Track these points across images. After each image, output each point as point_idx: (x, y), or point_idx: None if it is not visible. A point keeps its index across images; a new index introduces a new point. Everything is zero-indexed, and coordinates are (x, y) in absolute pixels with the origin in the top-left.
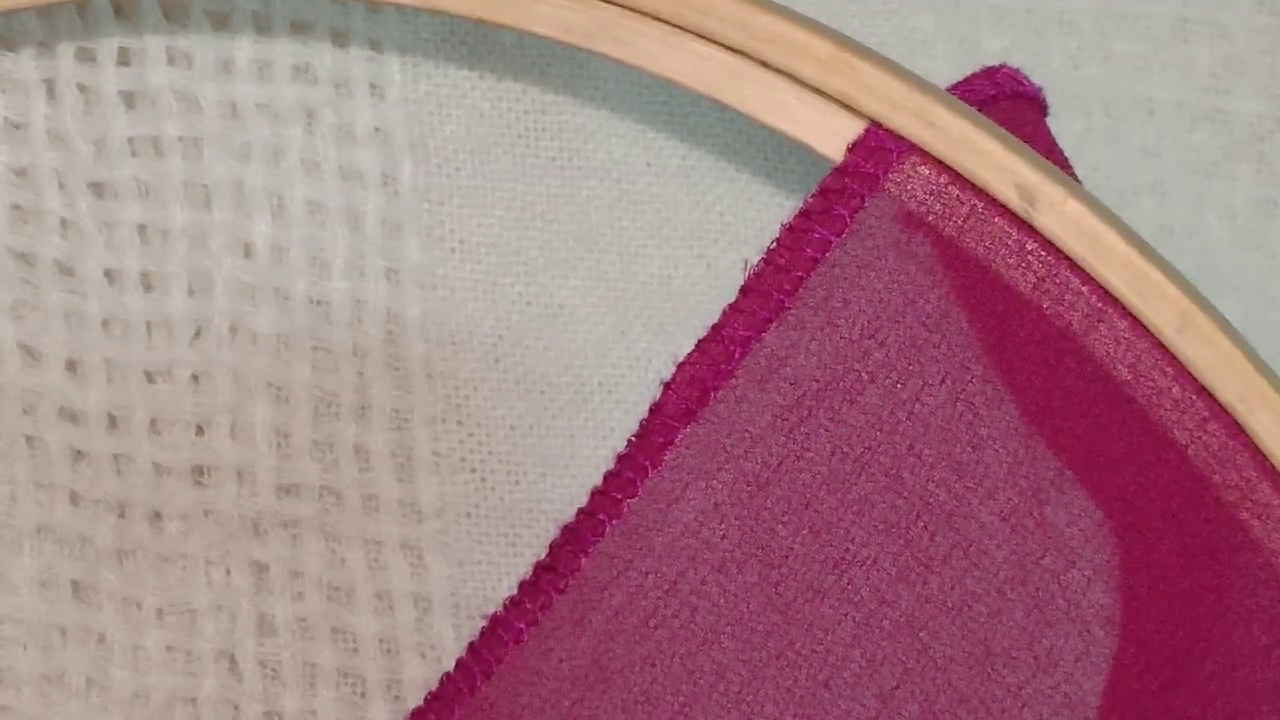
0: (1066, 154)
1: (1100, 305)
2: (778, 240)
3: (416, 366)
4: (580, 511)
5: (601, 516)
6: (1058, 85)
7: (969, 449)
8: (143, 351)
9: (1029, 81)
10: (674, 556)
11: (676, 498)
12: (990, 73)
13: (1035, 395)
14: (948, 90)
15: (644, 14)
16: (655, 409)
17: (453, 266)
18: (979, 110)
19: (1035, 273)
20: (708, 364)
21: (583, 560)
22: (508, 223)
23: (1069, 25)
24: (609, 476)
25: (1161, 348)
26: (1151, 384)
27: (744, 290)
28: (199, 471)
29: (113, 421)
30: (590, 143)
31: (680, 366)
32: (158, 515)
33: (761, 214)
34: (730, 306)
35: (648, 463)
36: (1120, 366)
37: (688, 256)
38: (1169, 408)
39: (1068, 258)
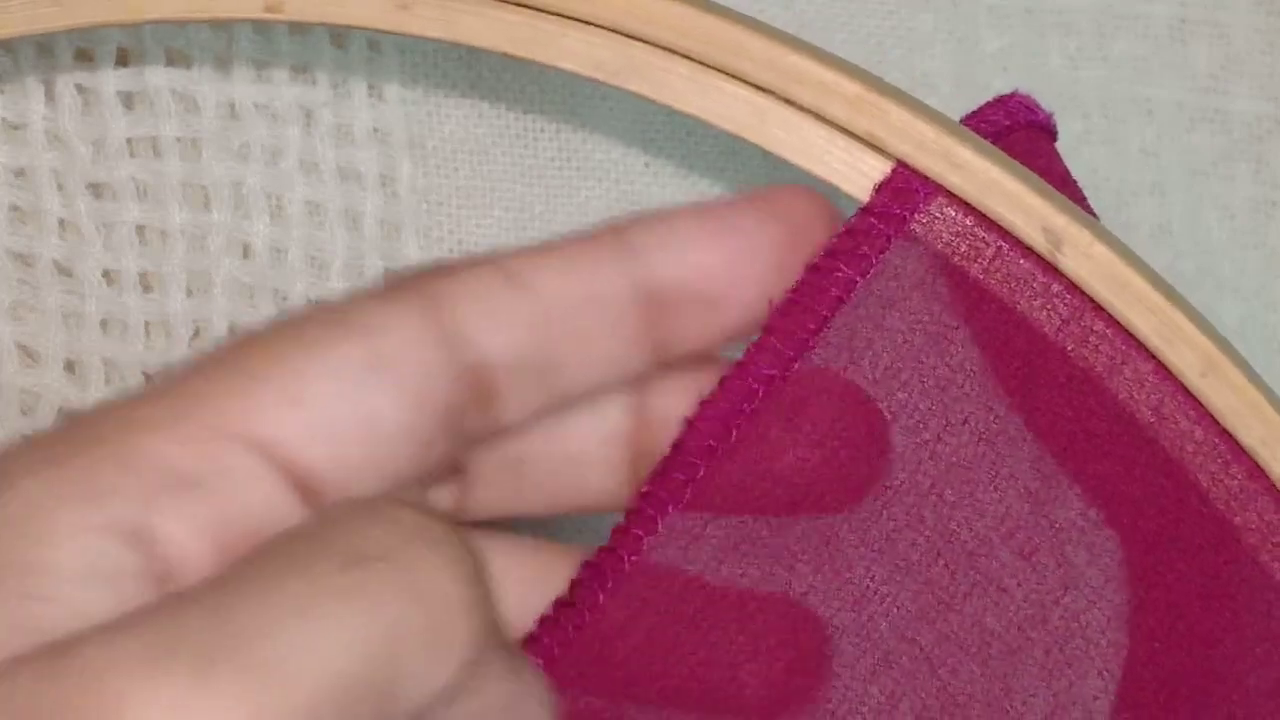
0: (1066, 156)
1: (1125, 349)
2: (802, 278)
3: None
4: (600, 549)
5: (621, 553)
6: (1057, 85)
7: (990, 489)
8: (141, 352)
9: (1040, 109)
10: (694, 594)
11: (697, 535)
12: (1002, 103)
13: (1058, 436)
14: (962, 122)
15: (673, 52)
16: (677, 445)
17: None
18: (994, 143)
19: (1060, 315)
20: (731, 401)
21: (601, 596)
22: (507, 223)
23: (1068, 25)
24: (630, 513)
25: (1185, 391)
26: (1174, 427)
27: (767, 328)
28: None
29: None
30: (589, 143)
31: (702, 403)
32: None
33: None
34: (754, 344)
35: (669, 500)
36: (1144, 409)
37: None
38: (1191, 450)
39: (1093, 301)
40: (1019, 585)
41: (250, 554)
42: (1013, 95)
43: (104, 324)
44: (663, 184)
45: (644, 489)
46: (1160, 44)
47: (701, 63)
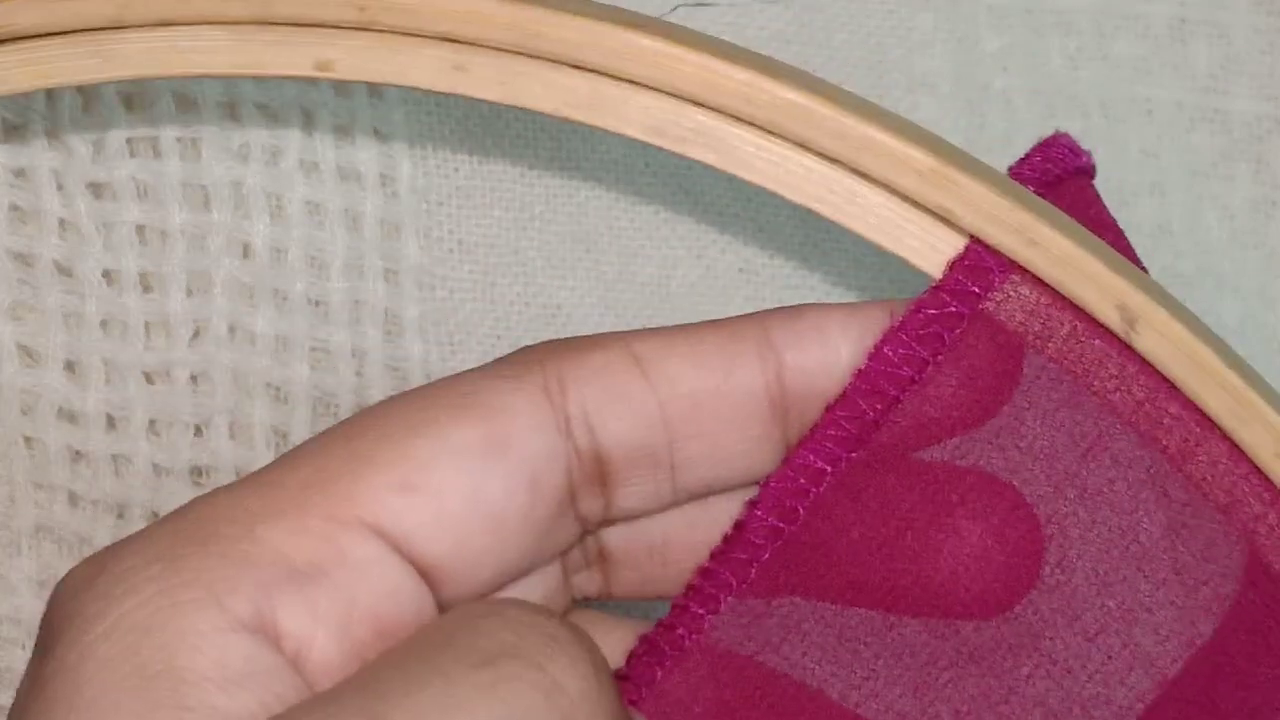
0: None
1: (1199, 430)
2: (871, 358)
3: (415, 367)
4: (660, 624)
5: (681, 631)
6: (1057, 85)
7: (1058, 570)
8: (141, 352)
9: (1083, 152)
10: (753, 674)
11: (760, 614)
12: (1047, 149)
13: (1128, 516)
14: (1010, 172)
15: (741, 120)
16: (741, 525)
17: (451, 267)
18: (1043, 194)
19: (1134, 396)
20: (798, 481)
21: (659, 674)
22: (506, 223)
23: (1068, 25)
24: (692, 589)
25: (1259, 472)
26: (1248, 509)
27: (835, 407)
28: (198, 472)
29: (111, 422)
30: (589, 143)
31: (767, 485)
32: (156, 516)
33: (760, 214)
34: (821, 423)
35: (733, 579)
36: (1217, 490)
37: (686, 257)
38: (1264, 533)
39: (1167, 381)
40: (1082, 667)
41: (386, 655)
42: (1055, 140)
43: (104, 324)
44: (662, 183)
45: (706, 566)
46: (1160, 44)
47: (769, 131)
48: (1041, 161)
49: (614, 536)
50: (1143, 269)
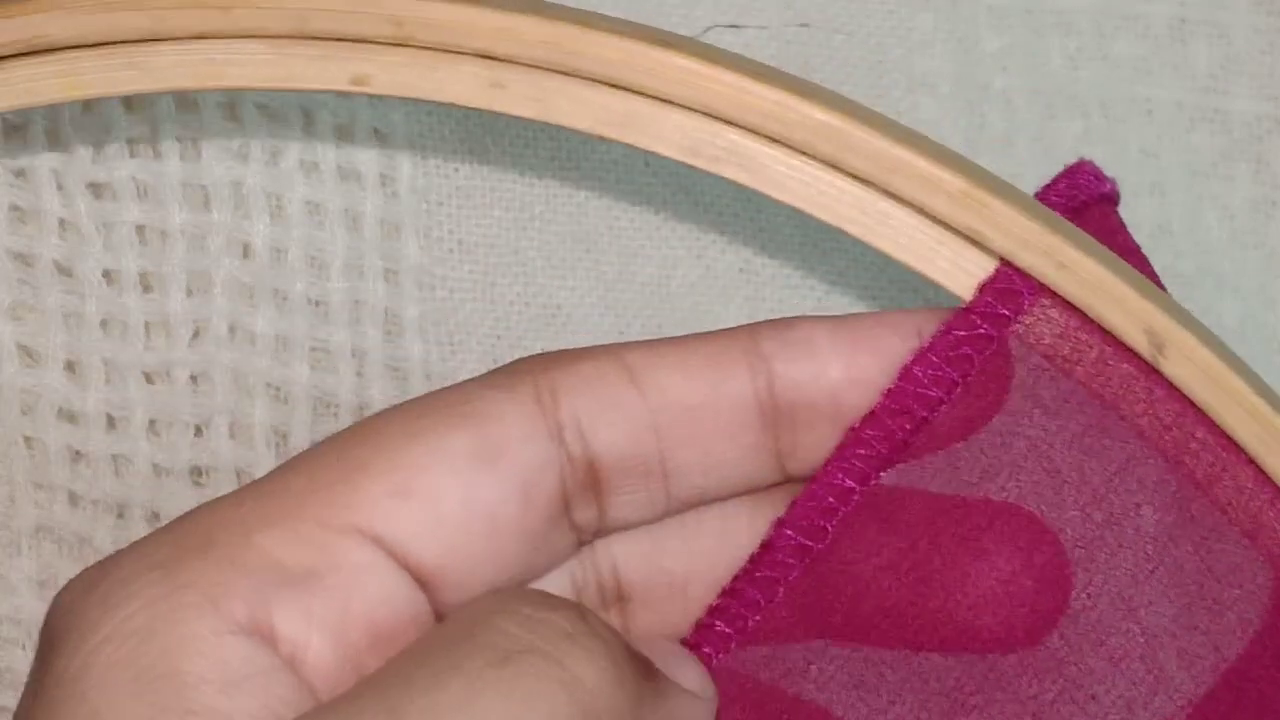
0: (1065, 157)
1: (1225, 455)
2: (901, 377)
3: (415, 367)
4: (684, 642)
5: (707, 650)
6: (1056, 85)
7: (1084, 596)
8: (141, 352)
9: (1106, 178)
10: (777, 700)
11: (786, 636)
12: (1072, 176)
13: (1152, 542)
14: (1035, 197)
15: (774, 140)
16: (769, 544)
17: (451, 267)
18: (1069, 220)
19: (1161, 421)
20: (825, 501)
21: None
22: (506, 223)
23: (1068, 25)
24: (715, 609)
25: None
26: (1273, 534)
27: (863, 426)
28: (198, 472)
29: (111, 422)
30: (589, 143)
31: (795, 504)
32: (157, 516)
33: (760, 214)
34: (847, 442)
35: (760, 598)
36: (1243, 516)
37: (686, 257)
38: None
39: (1194, 405)
40: (1106, 692)
41: (405, 654)
42: (1080, 166)
43: (104, 324)
44: (662, 183)
45: (733, 585)
46: (1160, 44)
47: (802, 151)
48: (1067, 188)
49: (632, 573)
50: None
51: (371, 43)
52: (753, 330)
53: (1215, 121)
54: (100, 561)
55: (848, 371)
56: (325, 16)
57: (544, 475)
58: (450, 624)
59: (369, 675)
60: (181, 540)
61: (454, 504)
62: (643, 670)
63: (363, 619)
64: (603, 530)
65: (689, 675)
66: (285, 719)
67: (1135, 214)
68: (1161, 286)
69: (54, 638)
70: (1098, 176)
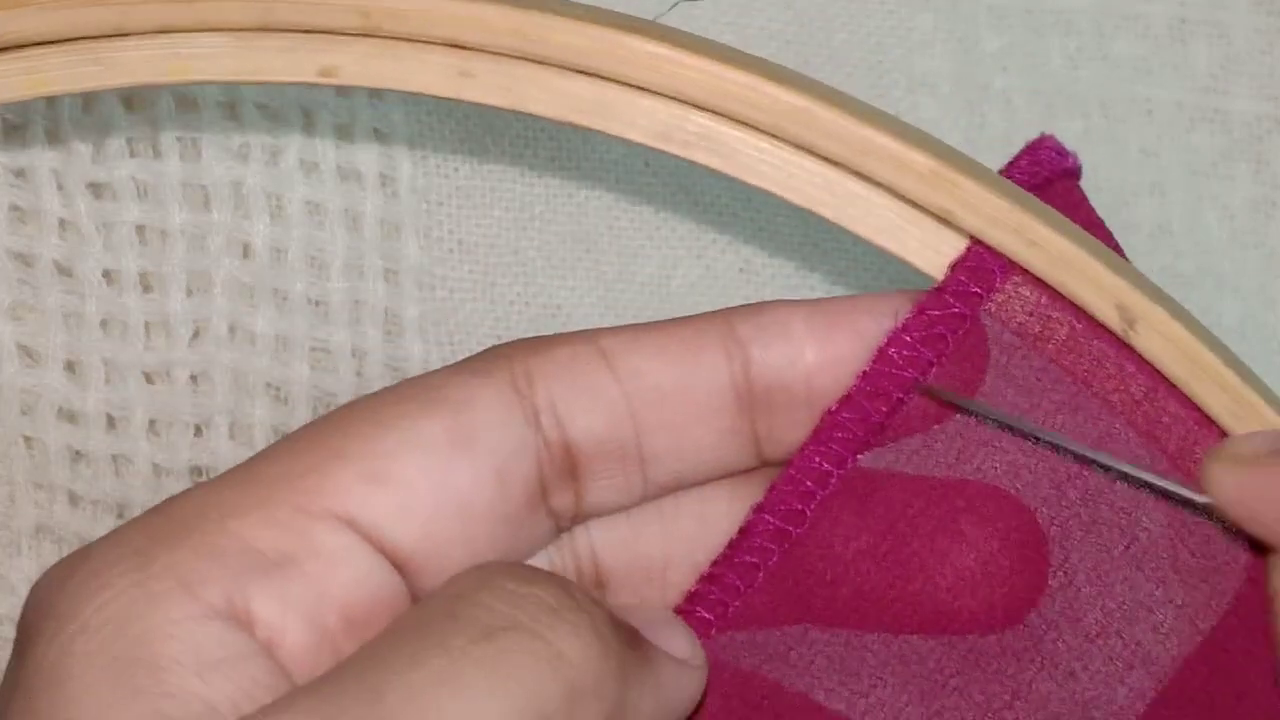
0: None
1: (1197, 428)
2: (875, 359)
3: (415, 367)
4: None
5: None
6: (1056, 85)
7: (1059, 575)
8: (141, 352)
9: (1068, 153)
10: (757, 687)
11: (766, 621)
12: (1035, 151)
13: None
14: (999, 174)
15: (743, 124)
16: (747, 528)
17: (451, 267)
18: (1034, 195)
19: (1133, 396)
20: (803, 485)
21: None
22: (506, 223)
23: (1067, 25)
24: (694, 595)
25: None
26: None
27: (839, 409)
28: (198, 472)
29: (111, 422)
30: (589, 142)
31: (773, 488)
32: None
33: (760, 214)
34: (823, 425)
35: (739, 583)
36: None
37: (686, 257)
38: None
39: (1165, 380)
40: (1084, 668)
41: (387, 632)
42: (1041, 142)
43: (104, 324)
44: (662, 183)
45: (712, 571)
46: (1160, 44)
47: (772, 134)
48: (1029, 164)
49: (610, 559)
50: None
51: (338, 34)
52: (728, 315)
53: (1215, 121)
54: (75, 552)
55: (822, 355)
56: (290, 8)
57: (520, 460)
58: (433, 600)
59: (351, 655)
60: (156, 528)
61: (428, 489)
62: (628, 640)
63: (339, 603)
64: (580, 516)
65: (677, 642)
66: (262, 702)
67: (1135, 214)
68: (1125, 258)
69: (30, 629)
70: (1060, 151)
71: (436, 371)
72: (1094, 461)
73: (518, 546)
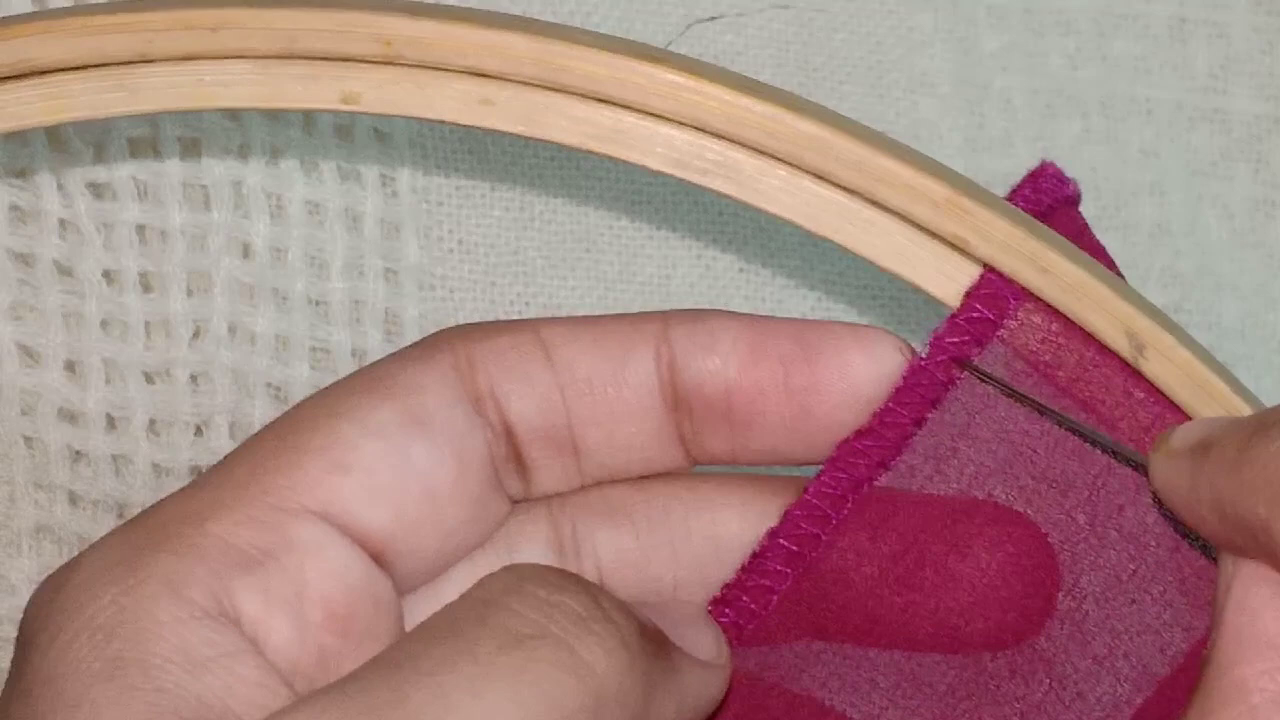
0: (1066, 156)
1: None
2: (899, 387)
3: None
4: None
5: None
6: (1056, 85)
7: (1070, 599)
8: (141, 352)
9: (1069, 180)
10: (777, 699)
11: (781, 640)
12: (1036, 179)
13: (1135, 542)
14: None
15: (761, 153)
16: (762, 553)
17: (451, 266)
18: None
19: (1141, 421)
20: (819, 509)
21: None
22: (506, 223)
23: (1067, 25)
24: (713, 614)
25: None
26: None
27: (857, 436)
28: (198, 472)
29: (112, 422)
30: None
31: (789, 513)
32: None
33: (759, 214)
34: (841, 451)
35: (754, 605)
36: None
37: (686, 257)
38: None
39: (1174, 406)
40: (1092, 690)
41: (417, 632)
42: (1043, 169)
43: (104, 324)
44: (662, 183)
45: (725, 592)
46: (1160, 44)
47: (789, 163)
48: (1032, 192)
49: (618, 581)
50: None
51: (360, 61)
52: (666, 317)
53: (1215, 121)
54: (62, 566)
55: (742, 374)
56: (313, 36)
57: (472, 440)
58: (463, 603)
59: (378, 655)
60: (138, 537)
61: (390, 472)
62: (655, 650)
63: (320, 595)
64: (529, 498)
65: (704, 644)
66: (252, 697)
67: (1135, 214)
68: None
69: (26, 641)
70: (1060, 179)
71: (381, 360)
72: (1106, 447)
73: (484, 526)
